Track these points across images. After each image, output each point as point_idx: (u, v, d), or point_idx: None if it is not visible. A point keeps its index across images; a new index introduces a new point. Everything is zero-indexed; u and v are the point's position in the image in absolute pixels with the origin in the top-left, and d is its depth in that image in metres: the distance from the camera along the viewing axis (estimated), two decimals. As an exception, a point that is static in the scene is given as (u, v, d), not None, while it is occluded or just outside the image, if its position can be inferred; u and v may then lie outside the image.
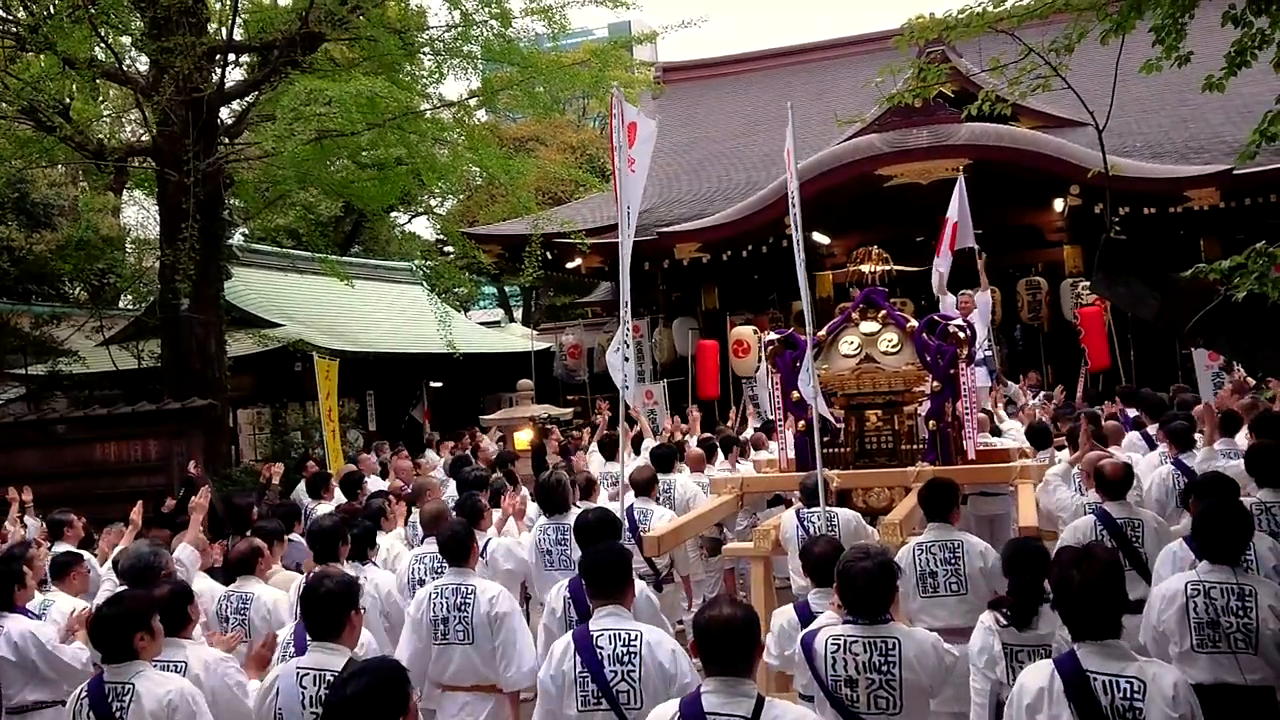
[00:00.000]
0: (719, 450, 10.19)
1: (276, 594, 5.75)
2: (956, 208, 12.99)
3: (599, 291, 24.40)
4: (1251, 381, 10.13)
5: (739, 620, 3.32)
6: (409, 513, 8.01)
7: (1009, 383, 14.02)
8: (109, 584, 6.33)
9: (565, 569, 6.45)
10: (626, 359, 6.88)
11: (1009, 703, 3.62)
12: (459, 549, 5.40)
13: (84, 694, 4.09)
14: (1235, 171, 13.48)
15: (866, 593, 3.91)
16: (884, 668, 3.86)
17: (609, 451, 9.95)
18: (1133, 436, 9.16)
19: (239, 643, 5.09)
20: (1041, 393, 13.27)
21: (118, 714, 3.96)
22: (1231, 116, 16.34)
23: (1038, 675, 3.51)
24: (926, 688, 3.94)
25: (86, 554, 7.16)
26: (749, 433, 11.79)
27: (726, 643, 3.28)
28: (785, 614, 5.01)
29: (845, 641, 3.92)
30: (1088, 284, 14.91)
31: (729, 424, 14.12)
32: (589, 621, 4.14)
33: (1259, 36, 5.93)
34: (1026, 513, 6.79)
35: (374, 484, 10.49)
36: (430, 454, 13.63)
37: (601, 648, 3.99)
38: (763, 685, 6.08)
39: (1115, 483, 6.03)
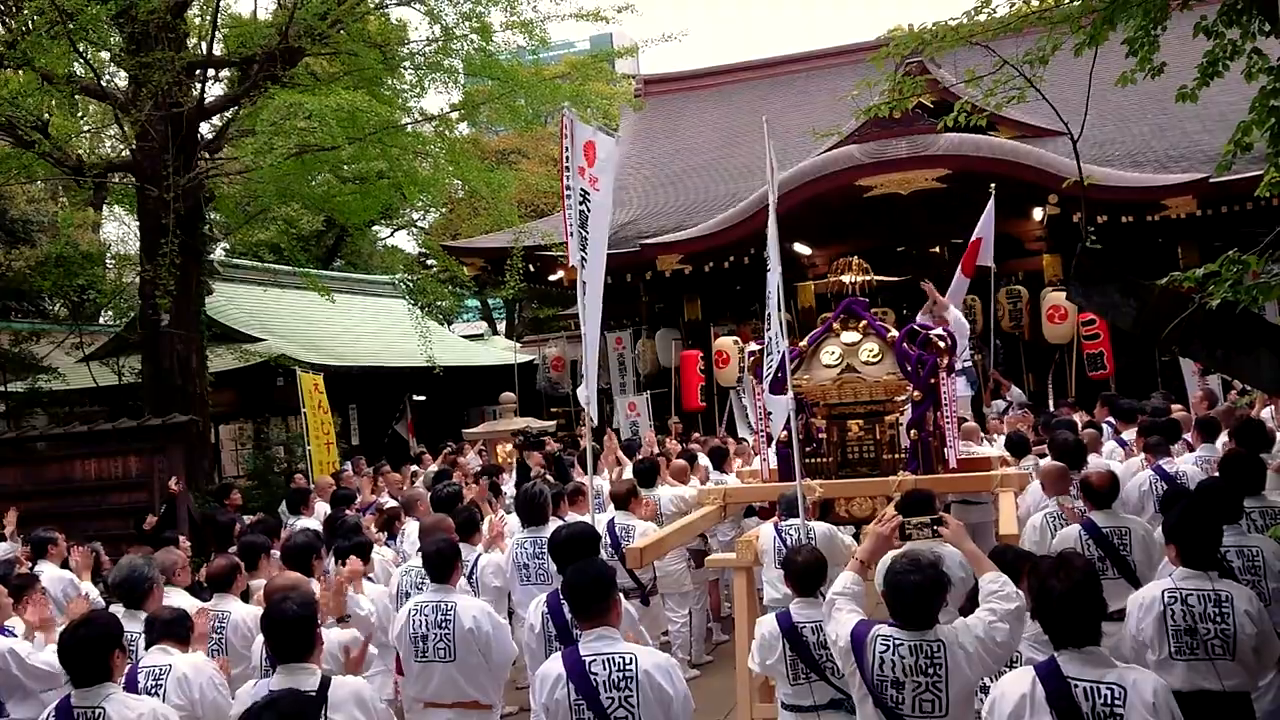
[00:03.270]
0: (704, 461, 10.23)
1: (254, 611, 5.71)
2: (985, 224, 13.14)
3: (582, 304, 24.36)
4: (1237, 393, 10.18)
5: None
6: (390, 525, 7.98)
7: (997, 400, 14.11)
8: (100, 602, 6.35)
9: (543, 583, 6.42)
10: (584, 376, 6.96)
11: (988, 709, 3.63)
12: (443, 565, 5.36)
13: (51, 717, 4.05)
14: (1211, 180, 13.60)
15: (916, 605, 3.88)
16: (930, 670, 3.84)
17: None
18: (1112, 445, 9.24)
19: (228, 667, 5.09)
20: (1016, 402, 13.35)
21: None
22: (1208, 125, 16.49)
23: (1018, 682, 3.53)
24: (975, 684, 3.91)
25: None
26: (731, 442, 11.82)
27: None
28: (767, 623, 5.02)
29: (893, 643, 3.89)
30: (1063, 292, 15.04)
31: (718, 435, 14.18)
32: (578, 645, 4.04)
33: (1230, 48, 5.98)
34: (1007, 521, 6.81)
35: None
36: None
37: (595, 674, 3.90)
38: (747, 693, 6.12)
39: (1102, 492, 6.06)
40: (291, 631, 3.98)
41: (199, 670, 4.52)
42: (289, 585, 4.92)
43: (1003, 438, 10.04)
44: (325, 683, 3.92)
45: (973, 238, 13.31)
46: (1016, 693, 3.49)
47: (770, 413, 7.02)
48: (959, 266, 13.54)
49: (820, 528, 6.60)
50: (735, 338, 17.12)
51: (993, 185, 13.85)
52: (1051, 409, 13.46)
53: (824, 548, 5.96)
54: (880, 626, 3.98)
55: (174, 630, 4.72)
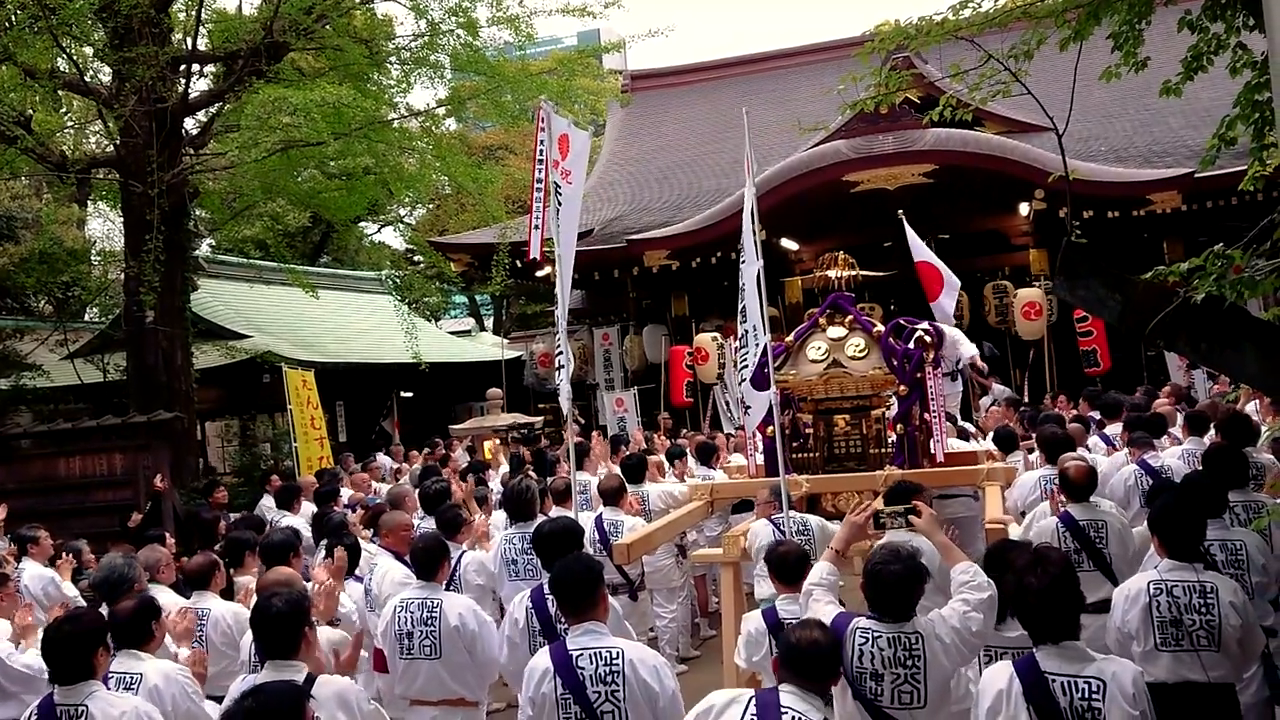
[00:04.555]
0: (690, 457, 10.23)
1: (234, 608, 5.68)
2: (917, 249, 12.88)
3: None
4: (1220, 388, 10.23)
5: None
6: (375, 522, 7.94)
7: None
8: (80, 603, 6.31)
9: (531, 579, 6.39)
10: (561, 366, 6.95)
11: (974, 704, 3.65)
12: (430, 563, 5.34)
13: (34, 716, 4.01)
14: (1196, 175, 13.65)
15: (895, 596, 3.88)
16: (909, 662, 3.84)
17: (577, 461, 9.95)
18: (1094, 439, 9.27)
19: (205, 661, 5.03)
20: (1000, 398, 13.35)
21: None
22: (1192, 120, 16.56)
23: (997, 677, 3.54)
24: (951, 674, 3.92)
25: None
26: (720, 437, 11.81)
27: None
28: (753, 619, 5.02)
29: (872, 635, 3.89)
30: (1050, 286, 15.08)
31: (703, 430, 14.16)
32: (565, 639, 4.04)
33: (1215, 42, 5.99)
34: (993, 509, 6.82)
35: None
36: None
37: (582, 668, 3.90)
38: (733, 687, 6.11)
39: (1079, 485, 6.07)
40: (277, 628, 3.95)
41: (170, 680, 4.36)
42: (282, 581, 4.86)
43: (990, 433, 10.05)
44: (310, 680, 3.90)
45: (918, 262, 12.89)
46: (994, 687, 3.51)
47: (749, 407, 7.01)
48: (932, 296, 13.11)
49: (814, 521, 6.62)
50: (714, 334, 17.11)
51: (901, 211, 13.53)
52: (1037, 403, 13.47)
53: (821, 541, 6.00)
54: (860, 619, 3.99)
55: (132, 635, 4.45)
